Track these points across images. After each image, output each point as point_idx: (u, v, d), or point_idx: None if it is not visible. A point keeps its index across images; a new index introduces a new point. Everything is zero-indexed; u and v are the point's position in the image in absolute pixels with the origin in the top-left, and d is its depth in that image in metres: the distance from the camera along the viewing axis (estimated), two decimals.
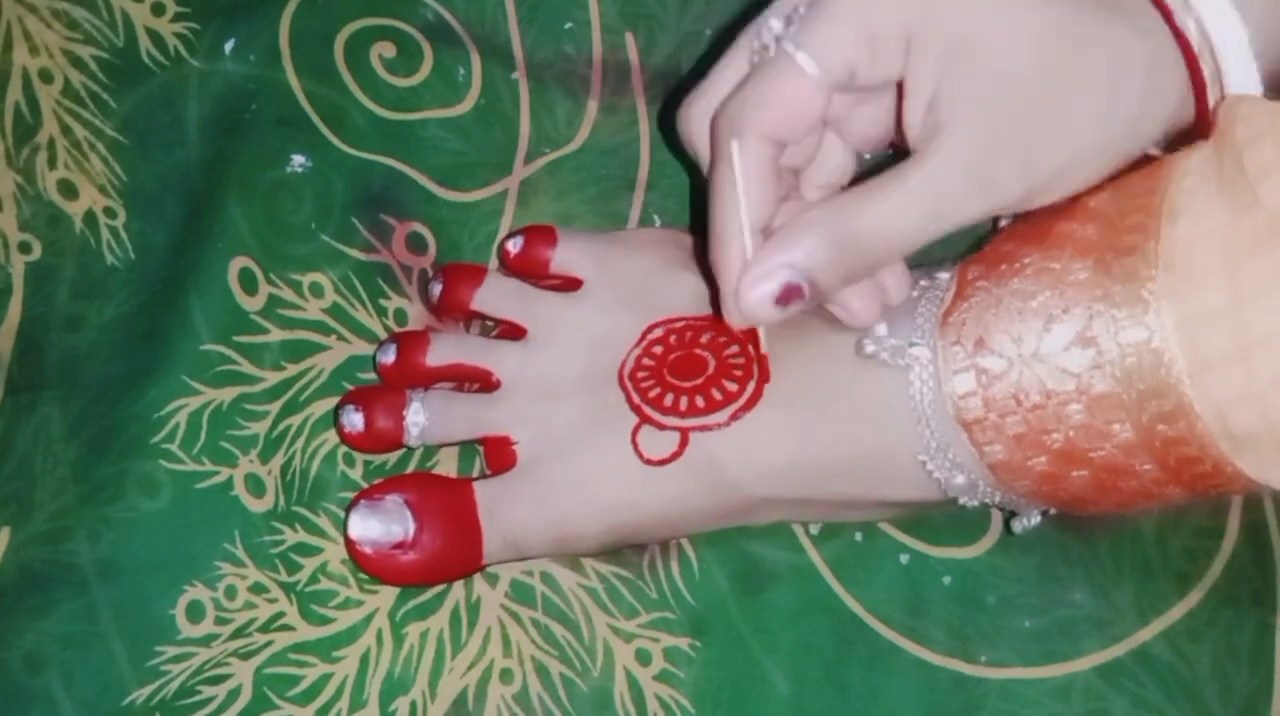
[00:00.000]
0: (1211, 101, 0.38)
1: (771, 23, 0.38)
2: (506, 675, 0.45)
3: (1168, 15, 0.37)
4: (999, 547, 0.46)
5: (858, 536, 0.46)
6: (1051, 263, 0.38)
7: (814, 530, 0.46)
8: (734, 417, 0.42)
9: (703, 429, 0.43)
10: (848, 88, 0.38)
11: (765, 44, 0.38)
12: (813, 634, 0.45)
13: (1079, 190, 0.39)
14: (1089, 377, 0.38)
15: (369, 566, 0.44)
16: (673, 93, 0.50)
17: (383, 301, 0.48)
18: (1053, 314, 0.38)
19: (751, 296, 0.38)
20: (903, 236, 0.37)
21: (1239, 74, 0.38)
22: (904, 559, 0.46)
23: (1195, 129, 0.39)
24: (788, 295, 0.38)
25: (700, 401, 0.43)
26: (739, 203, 0.38)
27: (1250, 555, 0.46)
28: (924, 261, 0.45)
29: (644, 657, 0.45)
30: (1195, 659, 0.45)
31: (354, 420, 0.45)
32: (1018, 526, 0.44)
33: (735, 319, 0.39)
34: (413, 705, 0.44)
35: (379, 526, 0.44)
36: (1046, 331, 0.38)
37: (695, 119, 0.40)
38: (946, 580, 0.46)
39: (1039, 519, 0.43)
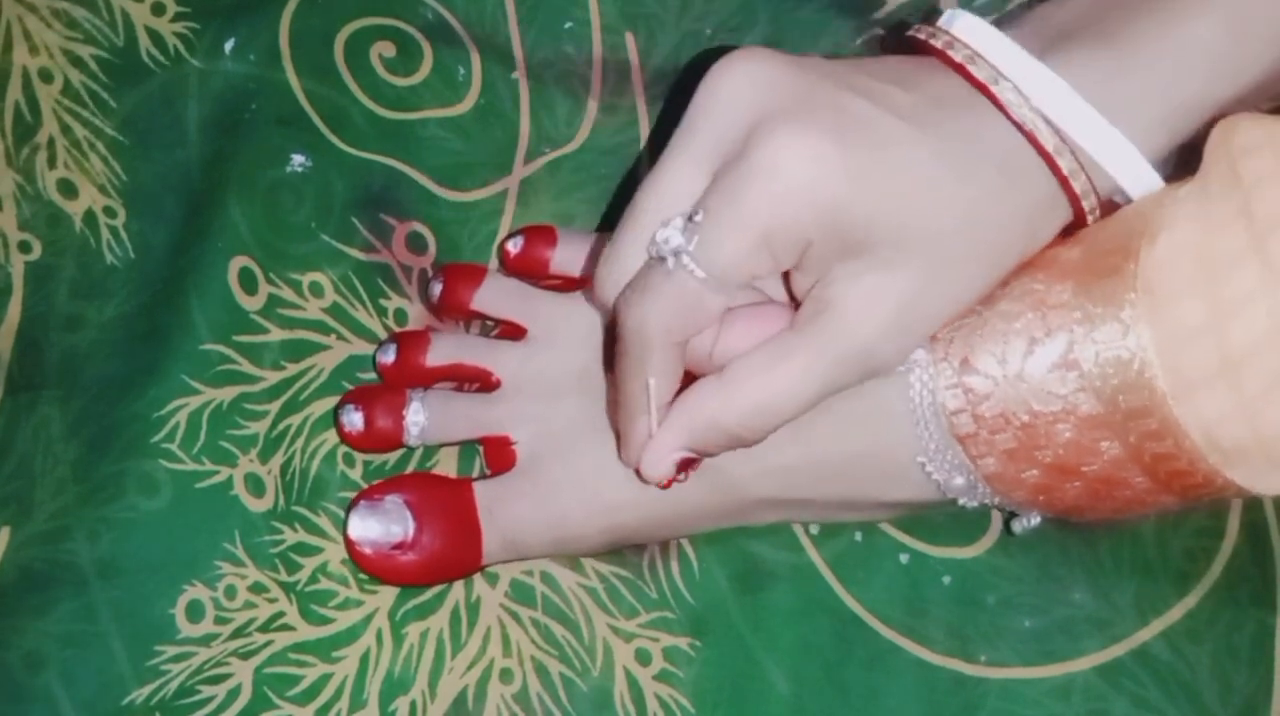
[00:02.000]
0: (1093, 217, 0.38)
1: (670, 236, 0.37)
2: (506, 675, 0.45)
3: (1050, 161, 0.37)
4: (999, 547, 0.46)
5: (858, 536, 0.46)
6: (1035, 284, 0.39)
7: (814, 530, 0.46)
8: None
9: None
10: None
11: (663, 256, 0.37)
12: (812, 633, 0.45)
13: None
14: (1074, 399, 0.38)
15: (368, 566, 0.44)
16: (617, 195, 0.50)
17: (383, 301, 0.48)
18: (1035, 336, 0.38)
19: (655, 473, 0.40)
20: (783, 413, 0.38)
21: (1135, 186, 0.38)
22: (904, 558, 0.46)
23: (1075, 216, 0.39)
24: (685, 466, 0.40)
25: None
26: (648, 396, 0.39)
27: (1250, 555, 0.46)
28: None
29: (644, 657, 0.45)
30: (1195, 659, 0.45)
31: (354, 419, 0.45)
32: (1018, 527, 0.44)
33: (641, 474, 0.41)
34: (413, 705, 0.44)
35: (378, 526, 0.44)
36: (1030, 353, 0.38)
37: (608, 290, 0.40)
38: (946, 580, 0.46)
39: (1038, 520, 0.43)
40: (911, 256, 0.37)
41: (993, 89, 0.37)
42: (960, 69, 0.38)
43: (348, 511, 0.44)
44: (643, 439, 0.40)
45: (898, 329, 0.38)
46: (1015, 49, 0.37)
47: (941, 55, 0.38)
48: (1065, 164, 0.37)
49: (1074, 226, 0.39)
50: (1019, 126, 0.37)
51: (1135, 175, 0.37)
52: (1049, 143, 0.37)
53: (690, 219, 0.37)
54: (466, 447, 0.47)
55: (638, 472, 0.41)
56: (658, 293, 0.38)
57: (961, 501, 0.42)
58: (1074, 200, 0.38)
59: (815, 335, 0.38)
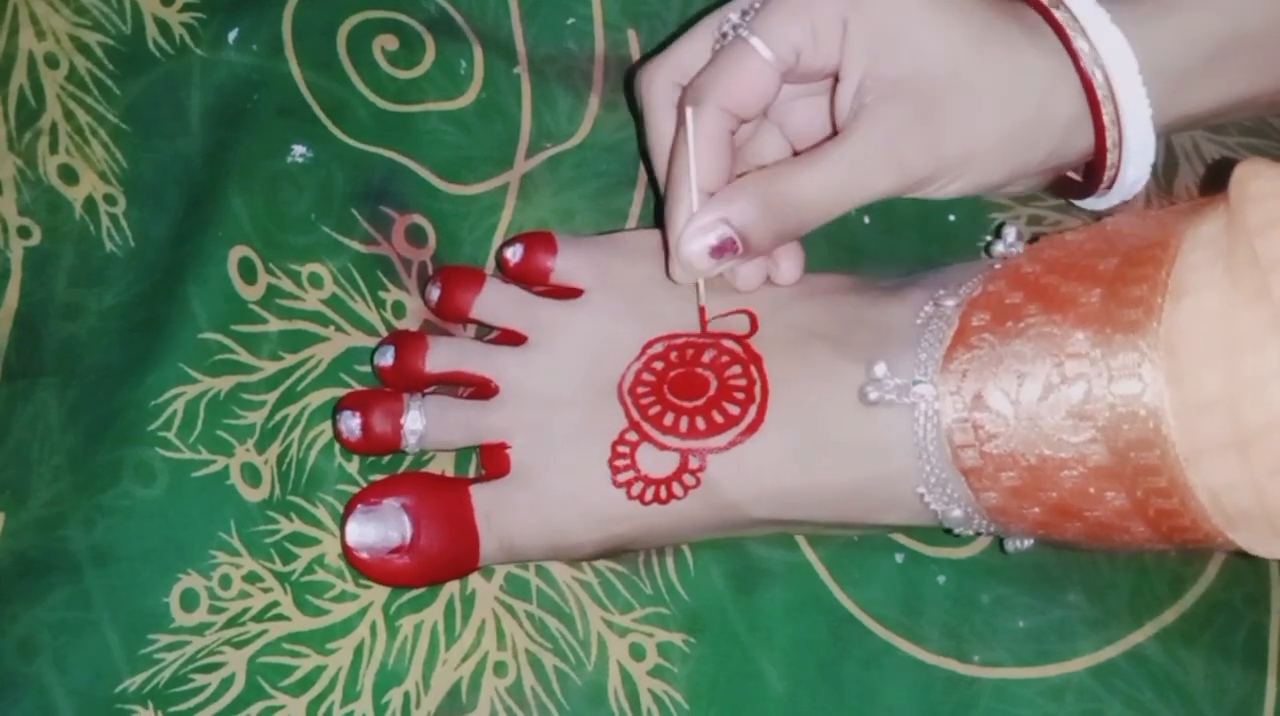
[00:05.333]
0: (1106, 120, 0.42)
1: (730, 15, 0.44)
2: (500, 667, 0.44)
3: (1063, 36, 0.41)
4: (994, 548, 0.46)
5: (854, 535, 0.46)
6: (1053, 327, 0.39)
7: None
8: (734, 443, 0.42)
9: (702, 451, 0.43)
10: (794, 72, 0.43)
11: (725, 32, 0.44)
12: (808, 632, 0.45)
13: (982, 184, 0.43)
14: (1086, 449, 0.38)
15: (366, 570, 0.44)
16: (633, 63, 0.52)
17: (381, 293, 0.48)
18: (1051, 382, 0.38)
19: (690, 248, 0.43)
20: (822, 202, 0.42)
21: (1128, 96, 0.41)
22: (899, 558, 0.46)
23: (1096, 159, 0.43)
24: (722, 248, 0.42)
25: (701, 423, 0.43)
26: (690, 164, 0.43)
27: (1244, 557, 0.46)
28: (922, 265, 0.45)
29: (638, 652, 0.45)
30: (1188, 660, 0.45)
31: (351, 426, 0.45)
32: (1011, 547, 0.44)
33: (676, 271, 0.44)
34: (406, 697, 0.44)
35: (376, 532, 0.43)
36: (1044, 399, 0.38)
37: (649, 81, 0.45)
38: (941, 579, 0.46)
39: (1031, 543, 0.43)
40: (934, 65, 0.42)
41: (1070, 34, 0.42)
42: (1044, 10, 0.42)
43: (345, 516, 0.44)
44: (684, 220, 0.43)
45: (920, 130, 0.42)
46: (1093, 3, 0.42)
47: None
48: (1107, 114, 0.42)
49: (1094, 169, 0.43)
50: (1081, 74, 0.42)
51: (1131, 88, 0.42)
52: (1101, 93, 0.42)
53: (750, 7, 0.43)
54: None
55: (673, 266, 0.44)
56: (716, 63, 0.43)
57: (958, 531, 0.42)
58: (1090, 91, 0.42)
59: (850, 133, 0.42)
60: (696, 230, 0.42)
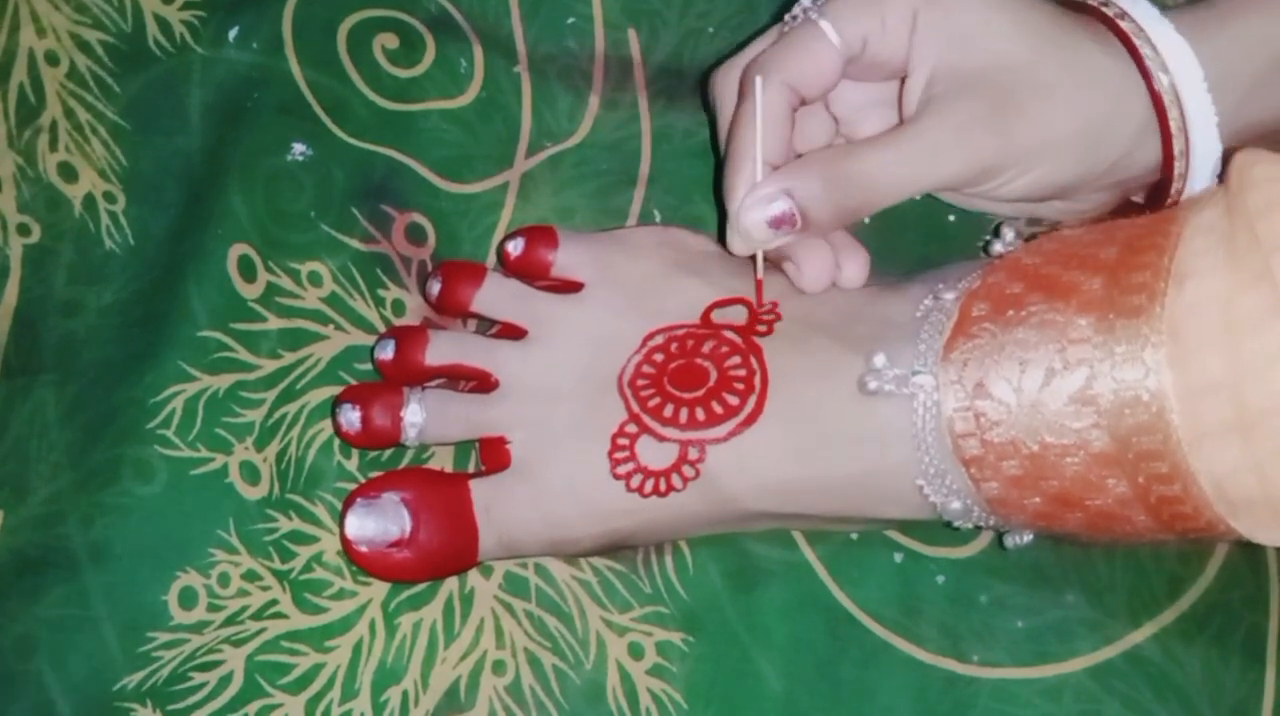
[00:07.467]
0: (1173, 126, 0.42)
1: (804, 1, 0.44)
2: (499, 666, 0.45)
3: (1129, 44, 0.42)
4: (993, 547, 0.46)
5: (853, 534, 0.46)
6: (1055, 314, 0.39)
7: None
8: (733, 433, 0.42)
9: (701, 442, 0.43)
10: (858, 60, 0.43)
11: (795, 15, 0.44)
12: (806, 631, 0.45)
13: (1049, 182, 0.43)
14: (1087, 434, 0.38)
15: (365, 564, 0.44)
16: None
17: (381, 292, 0.48)
18: (1054, 368, 0.38)
19: (750, 217, 0.42)
20: (888, 182, 0.42)
21: (1194, 102, 0.42)
22: (898, 557, 0.46)
23: (1164, 168, 0.43)
24: (781, 220, 0.42)
25: (700, 414, 0.43)
26: (755, 134, 0.43)
27: (1243, 558, 0.46)
28: (922, 264, 0.45)
29: (636, 651, 0.45)
30: (1187, 661, 0.45)
31: (351, 419, 0.45)
32: (1010, 542, 0.44)
33: (734, 241, 0.44)
34: (404, 695, 0.44)
35: (375, 525, 0.43)
36: (1047, 385, 0.38)
37: (722, 78, 0.46)
38: (940, 579, 0.46)
39: (1030, 537, 0.43)
40: (1008, 57, 0.42)
41: (1136, 42, 0.42)
42: (1109, 21, 0.43)
43: (344, 509, 0.44)
44: (744, 189, 0.43)
45: (992, 119, 0.42)
46: (1158, 15, 0.42)
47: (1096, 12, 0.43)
48: (1174, 120, 0.42)
49: (1162, 182, 0.43)
50: (1148, 80, 0.42)
51: (1195, 93, 0.42)
52: (1168, 98, 0.42)
53: None
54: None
55: (731, 235, 0.43)
56: (783, 40, 0.44)
57: (956, 524, 0.42)
58: (1155, 97, 0.42)
59: (921, 119, 0.42)
60: (757, 199, 0.42)
